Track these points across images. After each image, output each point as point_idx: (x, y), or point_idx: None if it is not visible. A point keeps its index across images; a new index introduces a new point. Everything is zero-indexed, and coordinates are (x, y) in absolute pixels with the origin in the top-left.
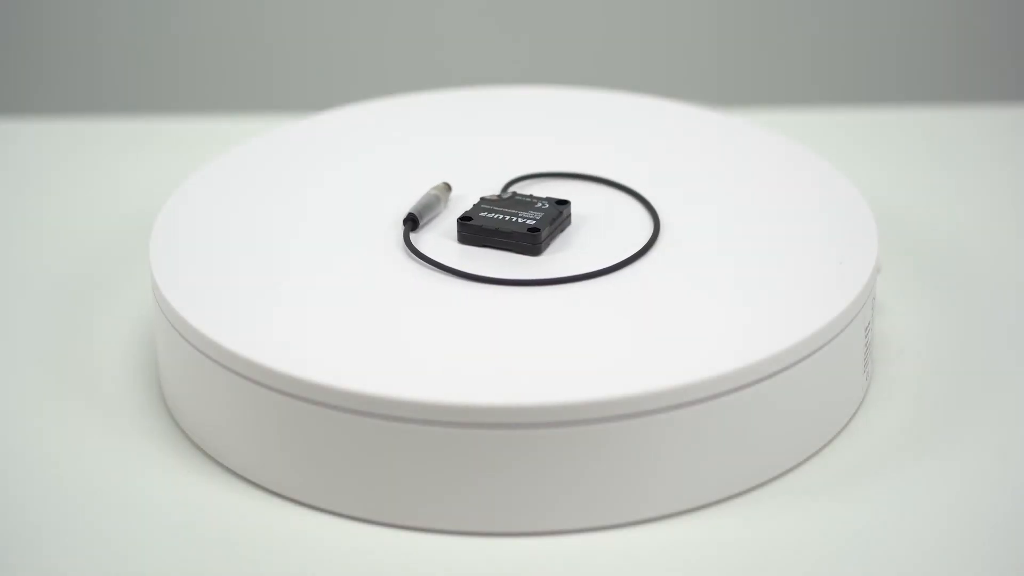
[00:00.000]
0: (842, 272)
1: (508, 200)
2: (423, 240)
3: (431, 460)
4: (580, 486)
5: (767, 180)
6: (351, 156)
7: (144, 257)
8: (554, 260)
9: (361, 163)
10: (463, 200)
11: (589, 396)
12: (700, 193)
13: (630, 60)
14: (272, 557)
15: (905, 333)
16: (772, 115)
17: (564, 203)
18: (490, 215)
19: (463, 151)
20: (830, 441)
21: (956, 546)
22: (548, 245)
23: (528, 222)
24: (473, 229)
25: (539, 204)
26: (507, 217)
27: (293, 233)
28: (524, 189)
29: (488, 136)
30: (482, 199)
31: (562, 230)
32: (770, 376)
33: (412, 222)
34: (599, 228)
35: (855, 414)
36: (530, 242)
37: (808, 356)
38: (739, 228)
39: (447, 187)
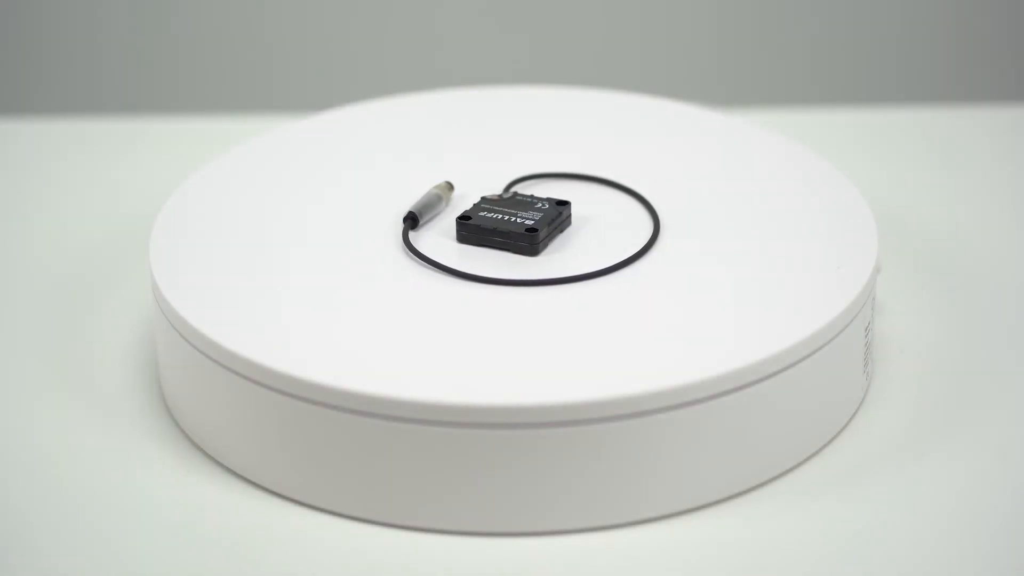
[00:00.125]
0: (842, 273)
1: (509, 200)
2: (423, 239)
3: (431, 460)
4: (580, 486)
5: (767, 180)
6: (351, 156)
7: (144, 257)
8: (554, 260)
9: (361, 163)
10: (464, 200)
11: (589, 396)
12: (700, 193)
13: (630, 60)
14: (272, 557)
15: (905, 333)
16: (772, 115)
17: (564, 204)
18: (489, 215)
19: (463, 151)
20: (830, 441)
21: (956, 546)
22: (546, 246)
23: (527, 222)
24: (472, 228)
25: (539, 204)
26: (506, 217)
27: (293, 233)
28: (526, 189)
29: (488, 136)
30: (483, 198)
31: (562, 230)
32: (770, 376)
33: (412, 220)
34: (600, 228)
35: (855, 414)
36: (528, 242)
37: (808, 356)
38: (739, 228)
39: (449, 186)
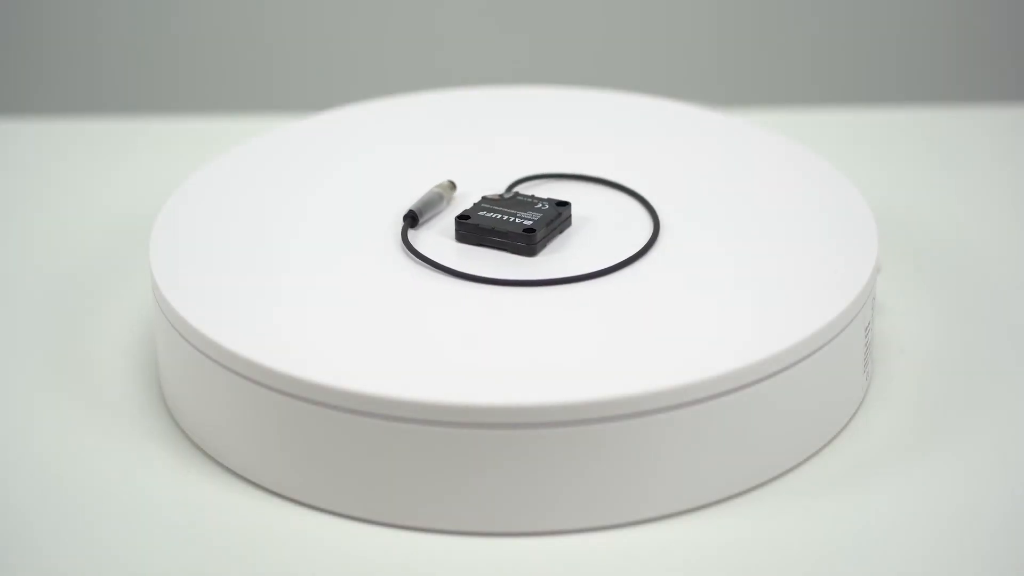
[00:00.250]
0: (842, 272)
1: (509, 200)
2: (423, 238)
3: (431, 460)
4: (580, 486)
5: (767, 180)
6: (351, 156)
7: (144, 257)
8: (554, 260)
9: (361, 163)
10: (465, 200)
11: (589, 396)
12: (700, 193)
13: (630, 60)
14: (272, 557)
15: (905, 333)
16: (772, 115)
17: (564, 204)
18: (489, 214)
19: (463, 151)
20: (830, 441)
21: (956, 546)
22: (544, 246)
23: (525, 222)
24: (470, 228)
25: (539, 205)
26: (505, 217)
27: (293, 233)
28: (528, 189)
29: (488, 136)
30: (484, 198)
31: (561, 231)
32: (770, 376)
33: (411, 219)
34: (600, 228)
35: (855, 414)
36: (525, 242)
37: (808, 356)
38: (739, 228)
39: (452, 185)
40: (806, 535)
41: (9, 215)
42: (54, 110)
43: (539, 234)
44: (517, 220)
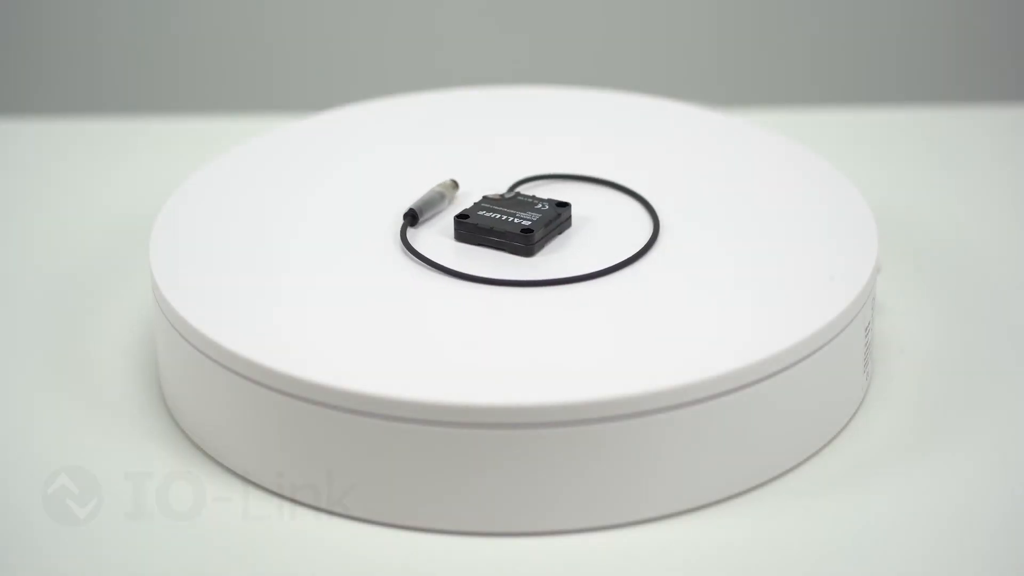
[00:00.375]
0: (841, 274)
1: (509, 200)
2: (422, 237)
3: (431, 460)
4: (580, 486)
5: (767, 180)
6: (351, 156)
7: (144, 257)
8: (553, 260)
9: (361, 163)
10: (467, 199)
11: (589, 396)
12: (700, 193)
13: (630, 60)
14: (272, 557)
15: (905, 333)
16: (772, 115)
17: (564, 205)
18: (488, 214)
19: (463, 151)
20: (830, 441)
21: (956, 546)
22: (543, 246)
23: (523, 223)
24: (469, 227)
25: (539, 205)
26: (504, 217)
27: (293, 233)
28: (529, 190)
29: (488, 136)
30: (484, 197)
31: (560, 232)
32: (770, 376)
33: (411, 218)
34: (600, 229)
35: (855, 414)
36: (523, 243)
37: (808, 356)
38: (739, 228)
39: (454, 184)
40: (806, 535)
41: (9, 215)
42: (54, 110)
43: (537, 235)
44: (516, 220)
